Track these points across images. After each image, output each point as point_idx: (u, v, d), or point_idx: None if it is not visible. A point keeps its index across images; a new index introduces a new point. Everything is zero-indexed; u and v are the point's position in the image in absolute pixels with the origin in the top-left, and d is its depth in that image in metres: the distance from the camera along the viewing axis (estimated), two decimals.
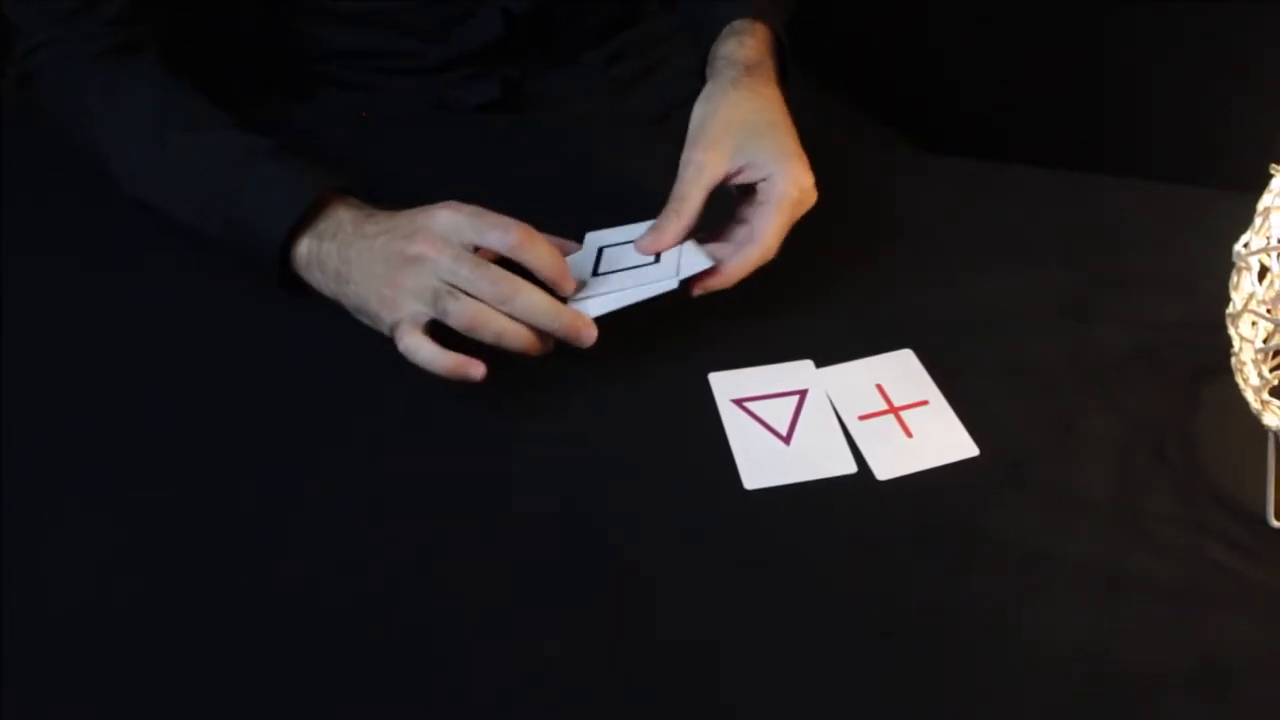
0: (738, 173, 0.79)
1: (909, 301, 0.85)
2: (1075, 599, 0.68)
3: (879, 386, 0.79)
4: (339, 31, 1.02)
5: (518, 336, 0.73)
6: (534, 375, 0.78)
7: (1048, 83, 1.31)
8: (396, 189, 0.93)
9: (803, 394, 0.78)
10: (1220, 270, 0.73)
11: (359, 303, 0.77)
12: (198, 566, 0.69)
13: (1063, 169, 0.96)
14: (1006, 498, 0.73)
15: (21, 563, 0.68)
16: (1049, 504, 0.72)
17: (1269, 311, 0.69)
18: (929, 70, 1.36)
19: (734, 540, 0.71)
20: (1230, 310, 0.72)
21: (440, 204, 0.76)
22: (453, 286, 0.73)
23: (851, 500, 0.73)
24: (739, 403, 0.78)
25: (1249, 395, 0.71)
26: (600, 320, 0.75)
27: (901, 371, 0.80)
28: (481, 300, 0.73)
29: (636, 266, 0.79)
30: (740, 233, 0.80)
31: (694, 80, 0.87)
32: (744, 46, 0.85)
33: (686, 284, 0.78)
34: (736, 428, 0.76)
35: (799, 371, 0.80)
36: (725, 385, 0.79)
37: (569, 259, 0.79)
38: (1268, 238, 0.69)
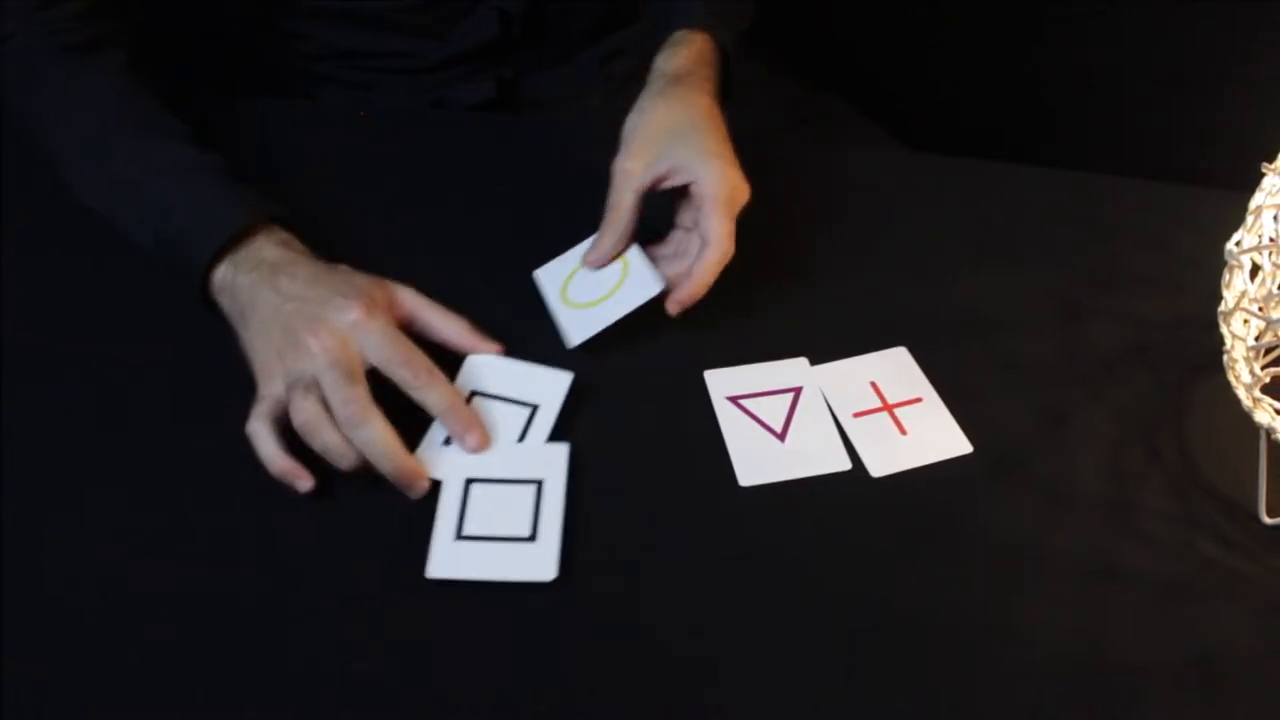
0: (664, 177, 0.80)
1: (903, 299, 0.85)
2: (1067, 594, 0.68)
3: (873, 384, 0.79)
4: (334, 31, 1.02)
5: (343, 458, 0.70)
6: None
7: (1041, 81, 1.31)
8: (393, 188, 0.93)
9: (797, 391, 0.79)
10: (1212, 268, 0.73)
11: (248, 351, 0.75)
12: (197, 565, 0.69)
13: (1056, 167, 0.96)
14: (1000, 494, 0.73)
15: (21, 560, 0.68)
16: (1042, 500, 0.73)
17: (1260, 309, 0.69)
18: (921, 69, 1.37)
19: (729, 536, 0.71)
20: (1222, 308, 0.72)
21: (380, 283, 0.76)
22: (313, 384, 0.71)
23: (846, 497, 0.73)
24: (734, 400, 0.78)
25: (1241, 392, 0.71)
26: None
27: (895, 369, 0.80)
28: (329, 414, 0.71)
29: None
30: (693, 241, 0.81)
31: None
32: (676, 57, 0.86)
33: (663, 298, 0.79)
34: (732, 425, 0.76)
35: (794, 369, 0.80)
36: (720, 382, 0.79)
37: (550, 302, 0.82)
38: (1259, 236, 0.70)
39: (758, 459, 0.74)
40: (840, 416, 0.77)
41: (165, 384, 0.78)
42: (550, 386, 0.77)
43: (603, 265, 0.81)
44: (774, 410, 0.77)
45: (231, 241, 0.77)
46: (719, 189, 0.79)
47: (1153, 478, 0.74)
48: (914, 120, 1.17)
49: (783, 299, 0.84)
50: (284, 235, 0.79)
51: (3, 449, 0.74)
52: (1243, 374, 0.71)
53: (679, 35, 0.88)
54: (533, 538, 0.69)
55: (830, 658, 0.65)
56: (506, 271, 0.85)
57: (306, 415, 0.70)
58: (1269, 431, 0.70)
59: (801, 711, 0.63)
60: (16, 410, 0.76)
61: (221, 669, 0.64)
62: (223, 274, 0.77)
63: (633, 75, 0.88)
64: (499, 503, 0.71)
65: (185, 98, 0.88)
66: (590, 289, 0.81)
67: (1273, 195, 0.69)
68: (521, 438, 0.75)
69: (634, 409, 0.78)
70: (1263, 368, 0.70)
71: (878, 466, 0.74)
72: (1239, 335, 0.71)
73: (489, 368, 0.77)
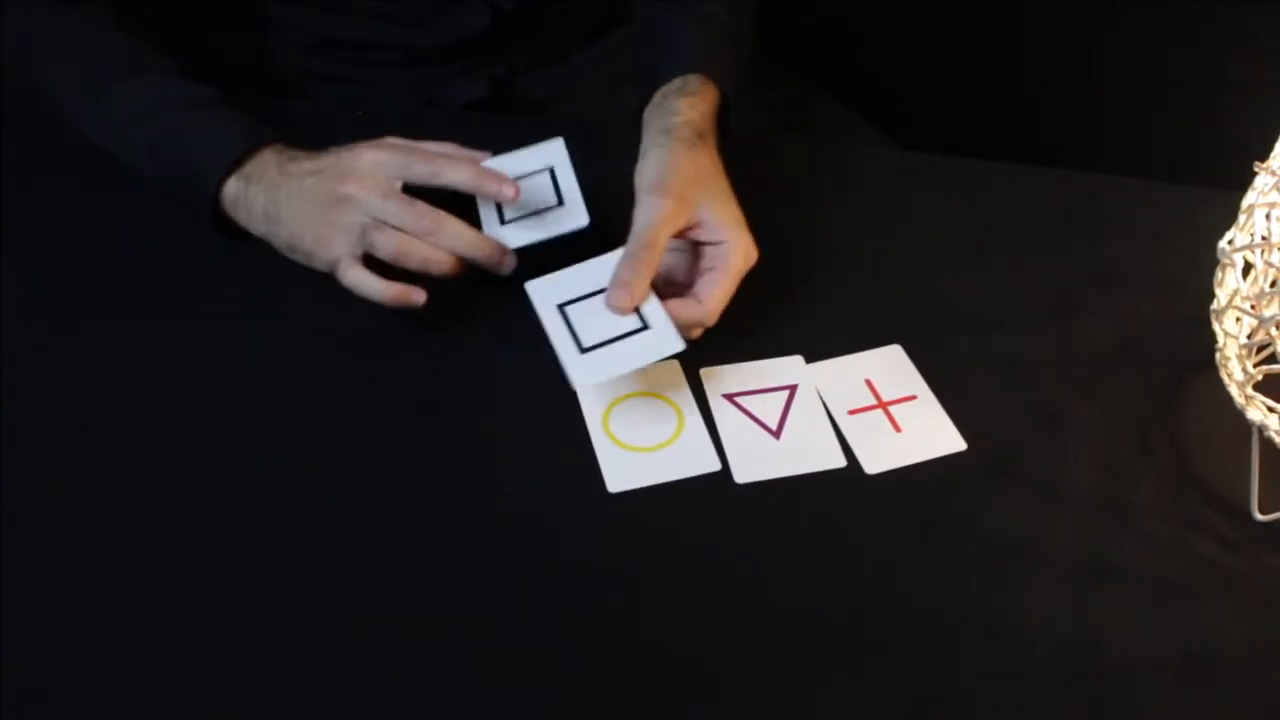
0: (692, 229, 0.79)
1: (898, 298, 0.86)
2: (1061, 591, 0.69)
3: (868, 381, 0.80)
4: (323, 20, 1.02)
5: (441, 263, 0.79)
6: (524, 369, 0.78)
7: (1037, 81, 1.31)
8: None
9: (793, 389, 0.79)
10: (1205, 267, 0.74)
11: (291, 241, 0.81)
12: (197, 562, 0.69)
13: (1050, 166, 0.97)
14: (993, 491, 0.74)
15: (21, 560, 0.68)
16: (1035, 497, 0.73)
17: (1253, 307, 0.69)
18: (918, 69, 1.37)
19: (725, 532, 0.71)
20: (1215, 306, 0.72)
21: (367, 143, 0.81)
22: (380, 222, 0.78)
23: (841, 493, 0.73)
24: (730, 397, 0.78)
25: (1233, 390, 0.72)
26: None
27: (890, 367, 0.81)
28: (407, 233, 0.78)
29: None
30: (680, 288, 0.80)
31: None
32: (696, 110, 0.85)
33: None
34: (727, 422, 0.77)
35: (789, 367, 0.80)
36: (716, 380, 0.79)
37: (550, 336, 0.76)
38: (1251, 234, 0.70)
39: (753, 456, 0.75)
40: (835, 414, 0.78)
41: (165, 384, 0.78)
42: (551, 152, 0.84)
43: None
44: (770, 407, 0.78)
45: (235, 162, 0.83)
46: (742, 263, 0.79)
47: (1146, 475, 0.75)
48: (910, 120, 1.17)
49: (778, 297, 0.84)
50: (280, 145, 0.85)
51: (3, 449, 0.74)
52: (1235, 372, 0.71)
53: (694, 83, 0.87)
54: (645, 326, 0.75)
55: (824, 653, 0.66)
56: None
57: (394, 243, 0.78)
58: (1261, 429, 0.71)
59: (796, 708, 0.63)
60: (16, 410, 0.76)
61: (222, 669, 0.64)
62: (234, 189, 0.83)
63: (628, 77, 0.89)
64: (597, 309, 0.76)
65: None
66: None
67: (1264, 194, 0.69)
68: (558, 197, 0.83)
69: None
70: (1255, 365, 0.70)
71: (872, 464, 0.75)
72: (1231, 333, 0.71)
73: (498, 168, 0.82)
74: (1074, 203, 0.94)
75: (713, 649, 0.66)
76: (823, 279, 0.87)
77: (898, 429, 0.77)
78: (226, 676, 0.64)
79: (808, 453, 0.75)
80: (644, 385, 0.78)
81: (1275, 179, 0.68)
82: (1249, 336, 0.70)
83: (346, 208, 0.79)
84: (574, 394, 0.77)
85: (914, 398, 0.79)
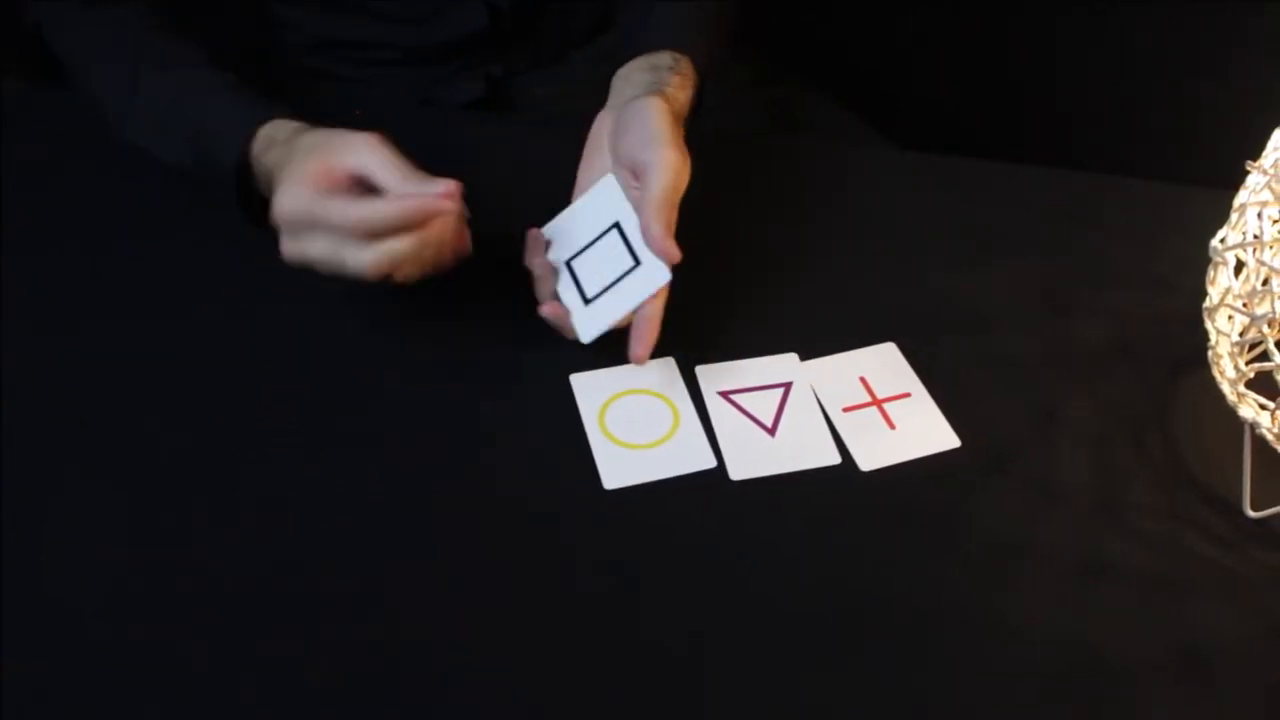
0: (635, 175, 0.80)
1: (892, 296, 0.86)
2: (1054, 588, 0.69)
3: (862, 379, 0.80)
4: (320, 19, 1.02)
5: (413, 245, 0.75)
6: (520, 366, 0.79)
7: (1031, 81, 1.31)
8: None
9: (787, 386, 0.79)
10: (1197, 265, 0.74)
11: None
12: (198, 565, 0.69)
13: (1043, 165, 0.97)
14: (987, 488, 0.74)
15: (21, 560, 0.69)
16: (1029, 494, 0.74)
17: (1245, 305, 0.70)
18: (912, 68, 1.37)
19: (720, 529, 0.72)
20: (1207, 304, 0.73)
21: (351, 142, 0.78)
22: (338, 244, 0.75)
23: (835, 491, 0.74)
24: (725, 395, 0.79)
25: (1225, 388, 0.72)
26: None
27: (884, 364, 0.81)
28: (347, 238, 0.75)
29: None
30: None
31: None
32: (685, 92, 0.86)
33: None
34: (722, 419, 0.77)
35: (784, 364, 0.81)
36: (711, 377, 0.80)
37: (561, 298, 0.80)
38: (1243, 233, 0.70)
39: (748, 453, 0.75)
40: (830, 411, 0.78)
41: (165, 384, 0.79)
42: (609, 200, 0.81)
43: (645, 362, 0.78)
44: (764, 405, 0.78)
45: (249, 140, 0.82)
46: (672, 179, 0.78)
47: (1139, 472, 0.75)
48: (907, 119, 1.17)
49: (773, 295, 0.84)
50: (286, 121, 0.84)
51: (3, 449, 0.74)
52: (1227, 369, 0.71)
53: (686, 66, 0.87)
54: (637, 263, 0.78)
55: (818, 650, 0.66)
56: (500, 270, 0.85)
57: (364, 261, 0.75)
58: (1253, 426, 0.71)
59: (790, 705, 0.64)
60: (16, 410, 0.76)
61: (222, 669, 0.64)
62: (257, 157, 0.81)
63: None
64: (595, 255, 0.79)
65: None
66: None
67: (1256, 193, 0.70)
68: (633, 256, 0.79)
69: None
70: (1247, 363, 0.70)
71: (867, 461, 0.75)
72: (1223, 331, 0.71)
73: (559, 230, 0.83)
74: (1068, 201, 0.95)
75: (708, 644, 0.66)
76: (818, 277, 0.87)
77: (892, 426, 0.77)
78: (226, 676, 0.64)
79: (802, 450, 0.76)
80: (640, 383, 0.79)
81: (1267, 178, 0.69)
82: (1241, 334, 0.71)
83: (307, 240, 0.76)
84: (571, 391, 0.78)
85: (908, 395, 0.79)
